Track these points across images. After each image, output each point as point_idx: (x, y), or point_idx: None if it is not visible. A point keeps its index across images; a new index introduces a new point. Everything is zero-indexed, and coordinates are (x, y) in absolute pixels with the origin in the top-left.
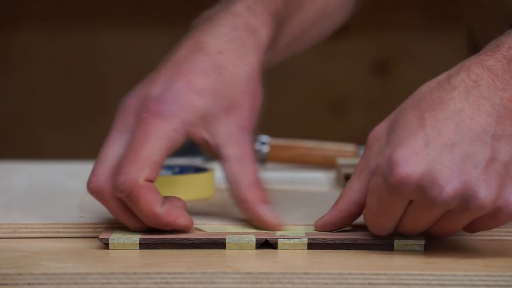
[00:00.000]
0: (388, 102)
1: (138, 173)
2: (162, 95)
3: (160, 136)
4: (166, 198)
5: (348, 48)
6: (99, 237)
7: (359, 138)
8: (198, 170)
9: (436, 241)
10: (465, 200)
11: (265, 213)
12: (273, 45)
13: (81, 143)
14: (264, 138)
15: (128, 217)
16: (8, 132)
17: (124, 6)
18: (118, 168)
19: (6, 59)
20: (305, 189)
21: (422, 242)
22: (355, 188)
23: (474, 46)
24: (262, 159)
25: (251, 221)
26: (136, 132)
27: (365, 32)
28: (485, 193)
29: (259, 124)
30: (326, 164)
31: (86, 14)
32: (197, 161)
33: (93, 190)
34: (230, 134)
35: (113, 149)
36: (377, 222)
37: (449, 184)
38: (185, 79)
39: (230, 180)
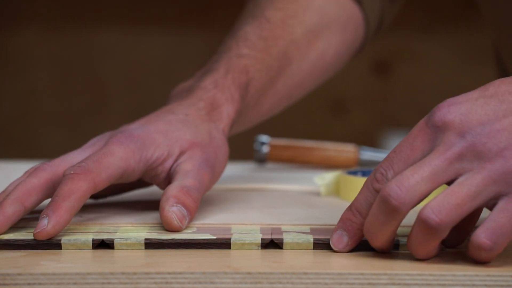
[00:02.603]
0: (388, 102)
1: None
2: (132, 131)
3: (118, 158)
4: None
5: None
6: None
7: (359, 138)
8: None
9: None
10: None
11: (173, 209)
12: (246, 113)
13: (80, 142)
14: (264, 138)
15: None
16: (8, 132)
17: (124, 6)
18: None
19: (6, 58)
20: (305, 189)
21: None
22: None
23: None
24: (262, 159)
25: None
26: (100, 150)
27: None
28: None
29: (259, 124)
30: (326, 164)
31: (86, 14)
32: None
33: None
34: (186, 169)
35: (75, 154)
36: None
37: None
38: (153, 124)
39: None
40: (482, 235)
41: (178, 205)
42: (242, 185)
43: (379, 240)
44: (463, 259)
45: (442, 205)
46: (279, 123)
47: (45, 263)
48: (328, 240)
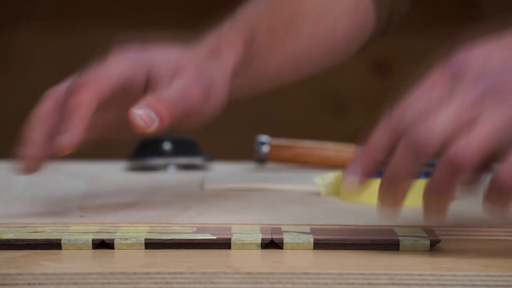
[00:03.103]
0: (388, 102)
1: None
2: (131, 46)
3: (119, 65)
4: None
5: None
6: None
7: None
8: (430, 175)
9: (441, 241)
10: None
11: (138, 112)
12: (250, 67)
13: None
14: (264, 138)
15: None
16: (8, 132)
17: (124, 6)
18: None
19: (6, 58)
20: (305, 189)
21: (428, 242)
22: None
23: None
24: (262, 159)
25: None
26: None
27: None
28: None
29: (259, 124)
30: (326, 164)
31: (86, 14)
32: (197, 160)
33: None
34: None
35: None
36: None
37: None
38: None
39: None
40: (506, 171)
41: (146, 108)
42: (242, 185)
43: (402, 188)
44: (463, 259)
45: (467, 145)
46: (279, 123)
47: (45, 263)
48: (328, 240)
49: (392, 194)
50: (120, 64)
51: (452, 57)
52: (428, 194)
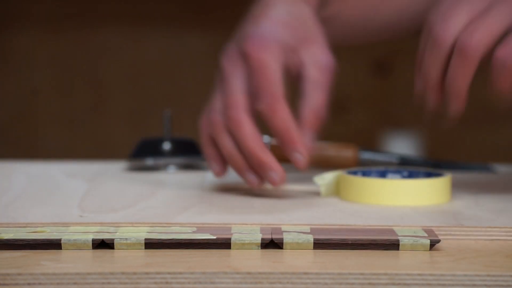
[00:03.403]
0: (388, 102)
1: (276, 91)
2: (255, 33)
3: (275, 63)
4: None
5: (348, 48)
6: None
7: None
8: (430, 175)
9: (440, 241)
10: None
11: (304, 140)
12: (323, 10)
13: (81, 142)
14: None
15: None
16: (8, 132)
17: (124, 6)
18: (255, 97)
19: (6, 59)
20: (305, 189)
21: (428, 242)
22: None
23: None
24: None
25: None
26: (252, 67)
27: None
28: None
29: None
30: (326, 164)
31: (86, 14)
32: (197, 160)
33: (213, 124)
34: (313, 60)
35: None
36: None
37: None
38: (267, 20)
39: (302, 97)
40: (502, 50)
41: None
42: (242, 185)
43: (463, 91)
44: (463, 259)
45: (476, 31)
46: None
47: (45, 263)
48: (328, 240)
49: (458, 96)
50: (269, 59)
51: None
52: (448, 84)
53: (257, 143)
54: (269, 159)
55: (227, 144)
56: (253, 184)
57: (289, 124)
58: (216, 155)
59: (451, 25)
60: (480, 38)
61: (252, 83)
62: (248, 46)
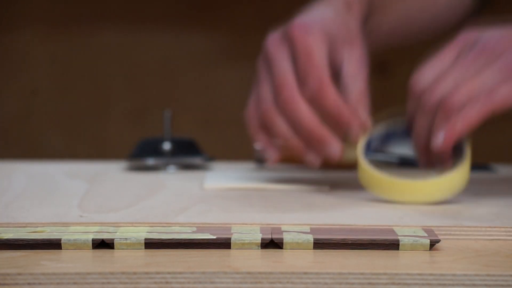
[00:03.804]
0: (388, 102)
1: (323, 75)
2: (301, 20)
3: (320, 48)
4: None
5: None
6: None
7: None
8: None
9: (440, 241)
10: None
11: (357, 116)
12: (367, 22)
13: (81, 143)
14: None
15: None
16: (8, 132)
17: (124, 6)
18: (302, 81)
19: (6, 59)
20: (305, 189)
21: (427, 241)
22: None
23: None
24: (262, 159)
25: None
26: (298, 51)
27: None
28: None
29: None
30: (326, 164)
31: (86, 14)
32: (197, 160)
33: (264, 112)
34: (353, 57)
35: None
36: None
37: None
38: (314, 12)
39: (343, 90)
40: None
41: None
42: (242, 185)
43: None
44: (463, 259)
45: (455, 94)
46: None
47: (45, 263)
48: (328, 240)
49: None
50: (316, 42)
51: (459, 35)
52: (419, 140)
53: (314, 119)
54: (328, 133)
55: (283, 128)
56: (314, 164)
57: (341, 103)
58: (270, 143)
59: (437, 90)
60: (460, 98)
61: (298, 67)
62: (295, 30)
